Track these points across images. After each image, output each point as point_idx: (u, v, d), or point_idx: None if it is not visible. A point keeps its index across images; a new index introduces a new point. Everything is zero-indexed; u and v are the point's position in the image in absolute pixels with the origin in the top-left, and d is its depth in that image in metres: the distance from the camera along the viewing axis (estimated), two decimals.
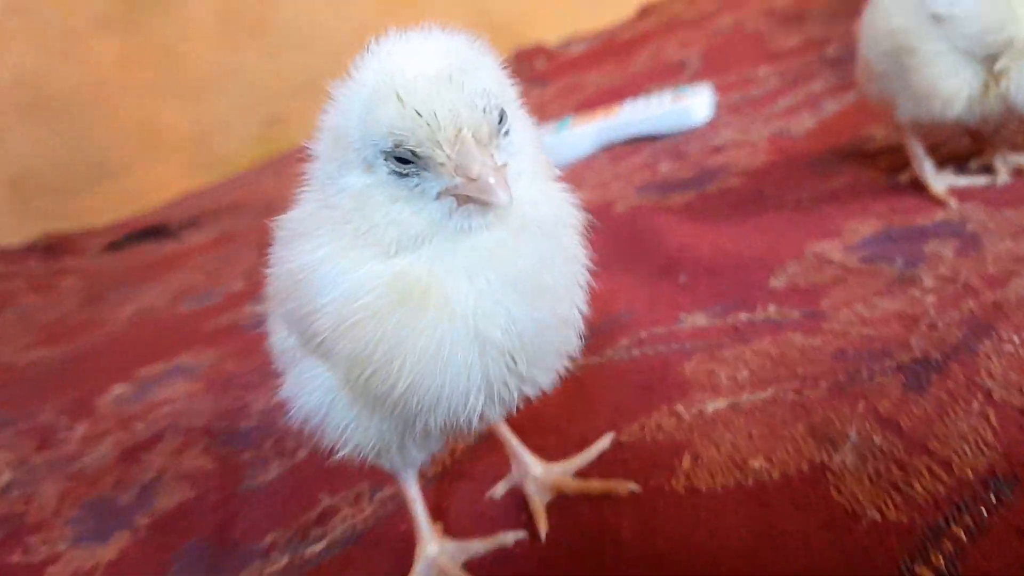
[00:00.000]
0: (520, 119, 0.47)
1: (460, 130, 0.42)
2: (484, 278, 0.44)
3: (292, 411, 0.50)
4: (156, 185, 2.11)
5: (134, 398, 1.01)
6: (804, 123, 1.09)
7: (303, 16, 2.24)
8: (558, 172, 0.49)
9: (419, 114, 0.42)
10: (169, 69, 2.11)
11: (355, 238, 0.45)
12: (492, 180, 0.41)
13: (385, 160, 0.43)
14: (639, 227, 0.94)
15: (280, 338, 0.52)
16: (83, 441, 0.95)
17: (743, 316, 0.68)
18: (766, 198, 0.90)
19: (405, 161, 0.43)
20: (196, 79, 2.17)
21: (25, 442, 0.99)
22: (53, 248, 1.86)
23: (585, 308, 0.48)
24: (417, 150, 0.42)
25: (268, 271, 0.49)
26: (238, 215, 1.75)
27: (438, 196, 0.43)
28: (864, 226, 0.76)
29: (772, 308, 0.68)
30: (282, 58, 2.20)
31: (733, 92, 1.33)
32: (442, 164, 0.42)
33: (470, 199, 0.43)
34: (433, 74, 0.42)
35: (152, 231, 1.77)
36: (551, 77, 2.01)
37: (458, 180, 0.42)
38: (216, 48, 2.19)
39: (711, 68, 1.53)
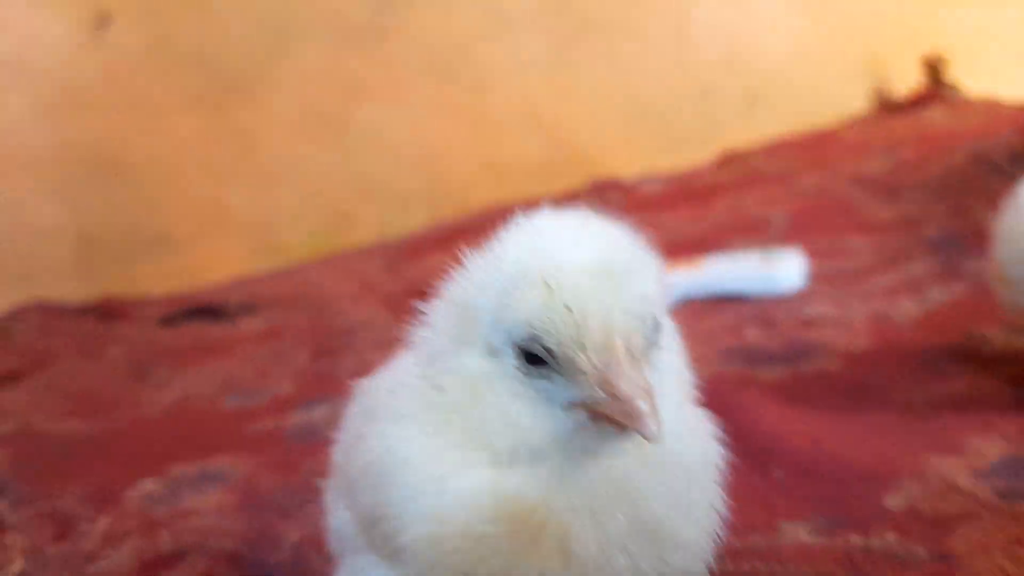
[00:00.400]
0: (669, 332, 0.41)
1: (612, 337, 0.35)
2: (612, 520, 0.37)
3: None
4: (217, 264, 2.11)
5: (163, 499, 0.94)
6: (907, 310, 1.03)
7: (382, 122, 2.27)
8: (698, 396, 0.43)
9: (569, 309, 0.36)
10: (245, 153, 2.14)
11: (459, 434, 0.38)
12: (642, 405, 0.34)
13: (515, 353, 0.37)
14: (725, 401, 0.88)
15: (340, 521, 0.45)
16: (104, 538, 0.88)
17: (856, 539, 0.60)
18: (870, 391, 0.83)
19: (537, 360, 0.37)
20: (270, 166, 2.20)
21: (43, 528, 0.93)
22: (108, 312, 1.85)
23: (713, 563, 0.41)
24: (556, 349, 0.36)
25: (339, 438, 0.44)
26: (295, 308, 1.72)
27: (568, 407, 0.37)
28: (990, 446, 0.69)
29: (891, 537, 0.60)
30: (356, 158, 2.22)
31: (823, 260, 1.28)
32: (583, 372, 0.36)
33: (609, 419, 0.36)
34: (591, 266, 0.37)
35: (207, 310, 1.74)
36: (625, 213, 1.98)
37: (600, 395, 0.35)
38: (294, 139, 2.23)
39: (798, 230, 1.49)
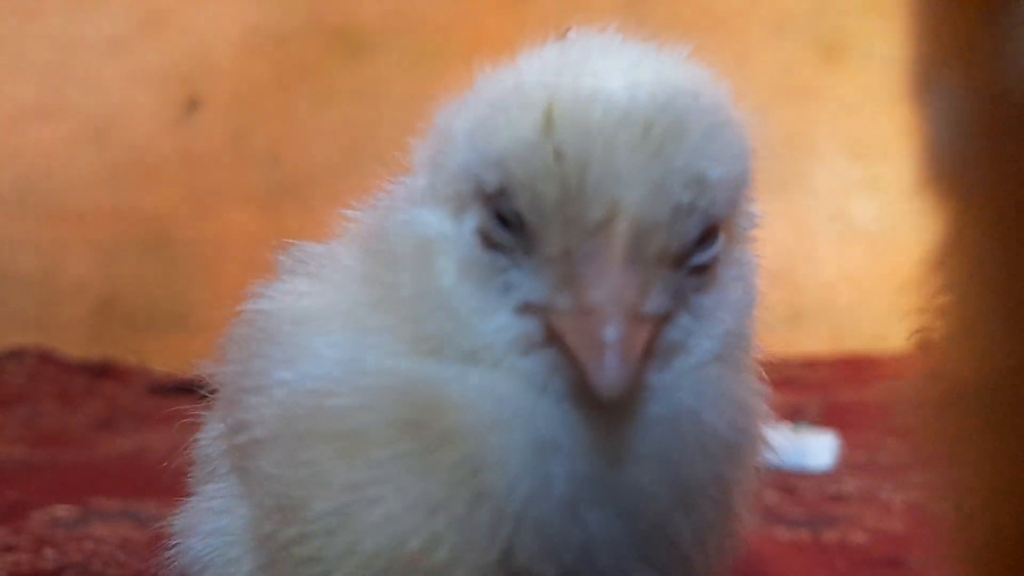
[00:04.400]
0: (738, 261, 0.28)
1: (616, 216, 0.23)
2: (561, 483, 0.26)
3: (172, 551, 0.31)
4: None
5: (69, 525, 0.84)
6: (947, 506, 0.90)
7: None
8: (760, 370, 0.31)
9: (560, 156, 0.24)
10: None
11: (380, 307, 0.28)
12: (611, 331, 0.22)
13: (483, 210, 0.27)
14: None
15: (208, 436, 0.35)
16: None
17: None
18: (903, 568, 0.70)
19: (507, 225, 0.26)
20: None
21: None
22: (103, 372, 1.80)
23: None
24: (525, 213, 0.25)
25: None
26: None
27: (520, 308, 0.26)
28: None
29: None
30: None
31: (856, 449, 1.16)
32: (548, 257, 0.24)
33: (561, 341, 0.24)
34: (627, 107, 0.25)
35: (199, 387, 1.67)
36: None
37: (559, 298, 0.24)
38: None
39: (831, 420, 1.38)
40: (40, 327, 1.98)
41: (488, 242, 0.27)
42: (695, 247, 0.26)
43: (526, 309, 0.26)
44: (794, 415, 1.46)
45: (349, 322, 0.28)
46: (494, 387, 0.26)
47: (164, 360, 1.99)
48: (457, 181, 0.28)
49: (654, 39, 0.29)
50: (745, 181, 0.28)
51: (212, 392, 1.52)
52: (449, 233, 0.28)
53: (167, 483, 1.00)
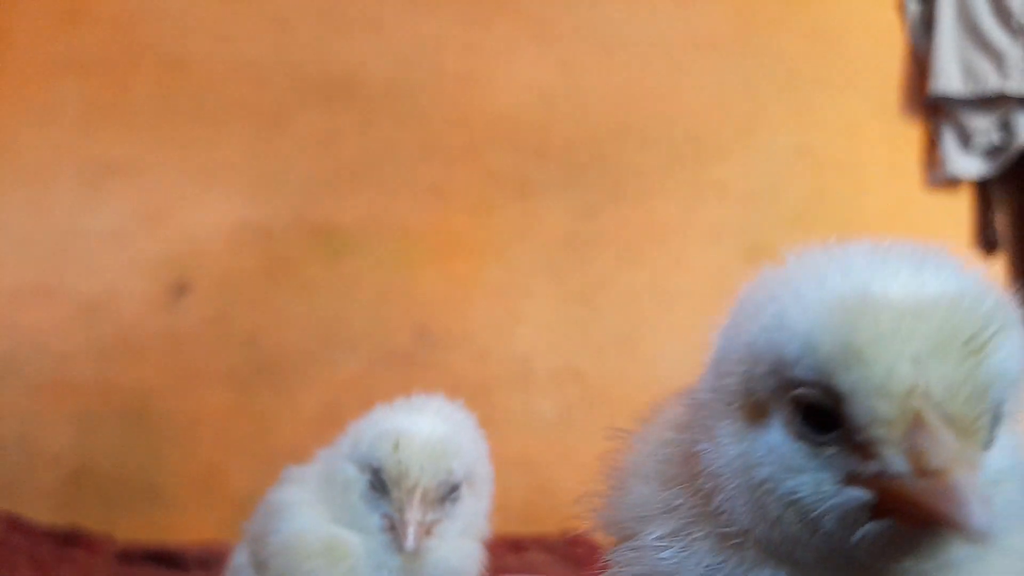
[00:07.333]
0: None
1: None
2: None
3: None
4: (198, 527, 2.11)
5: None
6: None
7: None
8: None
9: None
10: (260, 434, 2.20)
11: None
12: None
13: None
14: None
15: (239, 561, 0.54)
16: None
17: None
18: None
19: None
20: (278, 451, 2.28)
21: None
22: (71, 540, 1.85)
23: None
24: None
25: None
26: None
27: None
28: None
29: None
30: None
31: None
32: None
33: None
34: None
35: (165, 557, 1.74)
36: None
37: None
38: (308, 435, 2.32)
39: None
40: (11, 494, 2.04)
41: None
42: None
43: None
44: None
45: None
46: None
47: (132, 531, 2.06)
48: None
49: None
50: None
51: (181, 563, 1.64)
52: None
53: None
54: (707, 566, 0.31)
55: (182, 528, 2.11)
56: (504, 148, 2.33)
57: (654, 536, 0.33)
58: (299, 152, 2.32)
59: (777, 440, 0.29)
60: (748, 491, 0.30)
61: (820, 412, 0.28)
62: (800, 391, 0.28)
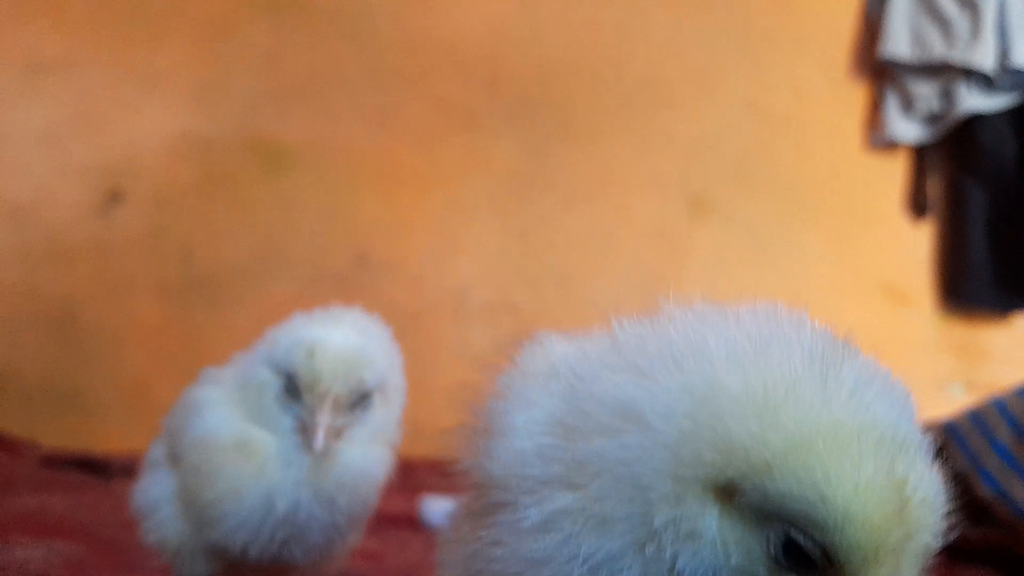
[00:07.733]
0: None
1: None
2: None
3: (132, 500, 0.58)
4: (125, 436, 2.11)
5: None
6: None
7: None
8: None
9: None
10: (193, 345, 2.21)
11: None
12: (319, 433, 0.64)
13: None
14: None
15: (155, 451, 0.60)
16: None
17: None
18: None
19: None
20: (211, 364, 2.28)
21: None
22: None
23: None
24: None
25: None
26: None
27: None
28: None
29: None
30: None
31: None
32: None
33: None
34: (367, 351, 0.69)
35: (90, 464, 1.74)
36: None
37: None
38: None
39: None
40: None
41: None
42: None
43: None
44: None
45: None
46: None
47: (56, 438, 2.05)
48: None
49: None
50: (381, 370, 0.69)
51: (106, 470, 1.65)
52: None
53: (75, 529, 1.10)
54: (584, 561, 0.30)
55: (108, 437, 2.11)
56: (454, 77, 2.30)
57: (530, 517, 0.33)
58: (244, 64, 2.25)
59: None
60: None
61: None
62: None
